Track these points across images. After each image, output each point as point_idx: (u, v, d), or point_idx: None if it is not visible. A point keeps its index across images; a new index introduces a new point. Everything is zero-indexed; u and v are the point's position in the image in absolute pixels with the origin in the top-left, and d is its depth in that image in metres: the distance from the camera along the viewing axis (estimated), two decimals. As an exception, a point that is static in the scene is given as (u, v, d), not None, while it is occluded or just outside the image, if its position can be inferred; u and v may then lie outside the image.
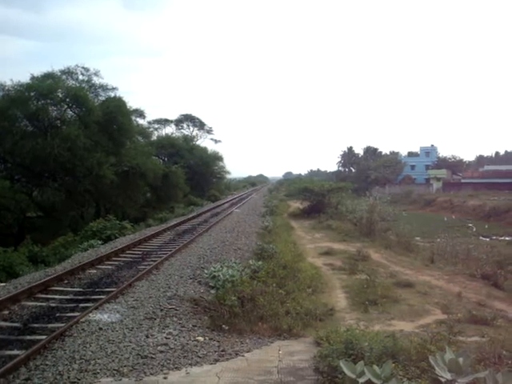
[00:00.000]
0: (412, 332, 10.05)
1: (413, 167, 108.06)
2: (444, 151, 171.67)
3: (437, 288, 15.12)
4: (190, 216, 36.28)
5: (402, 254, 21.82)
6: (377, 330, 9.83)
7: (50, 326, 9.81)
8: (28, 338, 9.06)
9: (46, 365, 7.81)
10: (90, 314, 10.36)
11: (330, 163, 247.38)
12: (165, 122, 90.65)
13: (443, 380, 4.93)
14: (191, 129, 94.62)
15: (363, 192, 46.91)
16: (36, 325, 9.87)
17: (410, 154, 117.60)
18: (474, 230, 30.55)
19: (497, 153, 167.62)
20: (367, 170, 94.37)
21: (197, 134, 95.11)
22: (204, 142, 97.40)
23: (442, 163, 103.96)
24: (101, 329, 9.58)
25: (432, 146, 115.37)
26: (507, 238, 33.60)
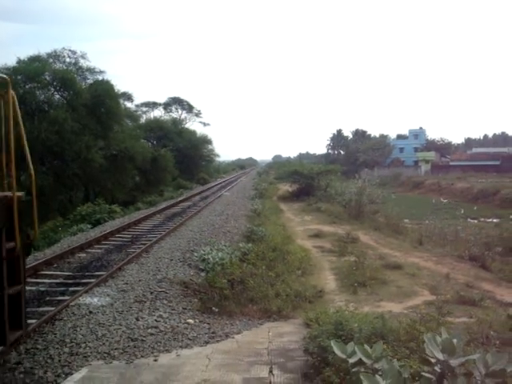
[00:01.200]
0: (401, 313, 10.12)
1: (401, 150, 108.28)
2: (432, 134, 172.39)
3: (425, 269, 15.23)
4: (179, 199, 36.25)
5: (390, 236, 21.93)
6: (366, 311, 9.89)
7: (40, 309, 9.80)
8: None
9: (37, 348, 7.81)
10: (80, 298, 10.36)
11: (319, 146, 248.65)
12: (153, 105, 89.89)
13: (433, 360, 4.96)
14: (180, 112, 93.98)
15: (352, 175, 46.97)
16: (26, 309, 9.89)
17: (399, 137, 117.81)
18: (462, 211, 30.74)
19: (485, 135, 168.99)
20: (356, 153, 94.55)
21: (185, 117, 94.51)
22: (193, 125, 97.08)
23: (431, 146, 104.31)
24: (91, 312, 9.59)
25: (420, 128, 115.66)
26: (495, 220, 33.88)
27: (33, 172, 7.04)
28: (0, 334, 6.45)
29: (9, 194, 6.70)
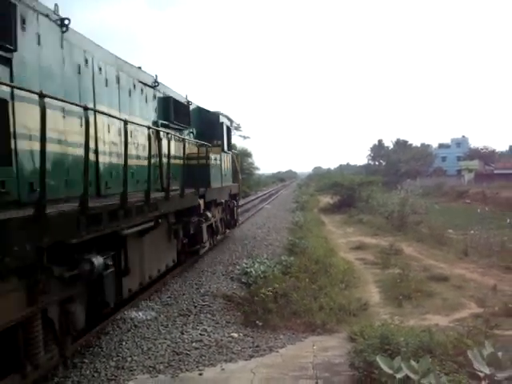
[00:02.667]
0: (447, 326, 9.96)
1: (444, 159, 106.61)
2: (475, 142, 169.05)
3: (471, 281, 14.94)
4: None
5: (434, 247, 21.58)
6: (412, 324, 9.76)
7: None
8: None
9: (84, 362, 7.92)
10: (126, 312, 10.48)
11: (359, 157, 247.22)
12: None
13: (481, 375, 4.87)
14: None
15: (394, 185, 46.48)
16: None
17: (441, 146, 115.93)
18: (508, 221, 30.01)
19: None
20: (398, 163, 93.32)
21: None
22: (233, 138, 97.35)
23: (474, 154, 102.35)
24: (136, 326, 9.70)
25: (463, 136, 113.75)
26: (543, 230, 32.94)
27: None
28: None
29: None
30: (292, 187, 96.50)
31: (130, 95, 11.05)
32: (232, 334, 9.55)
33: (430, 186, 69.39)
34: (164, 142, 11.80)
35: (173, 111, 13.75)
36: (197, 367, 7.87)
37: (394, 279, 14.38)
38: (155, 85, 12.93)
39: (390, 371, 5.13)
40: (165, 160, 11.52)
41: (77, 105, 7.36)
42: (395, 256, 18.56)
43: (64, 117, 7.82)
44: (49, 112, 6.05)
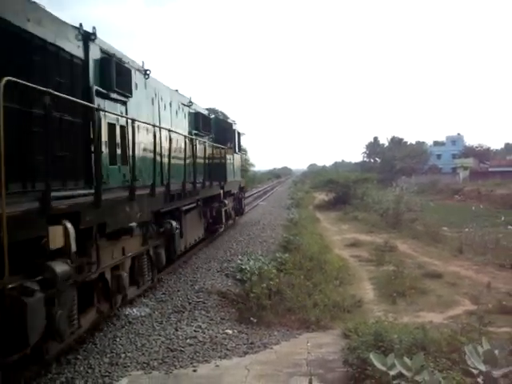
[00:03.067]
0: (441, 323, 9.98)
1: (439, 156, 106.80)
2: (470, 140, 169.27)
3: (466, 278, 14.98)
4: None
5: (429, 245, 21.62)
6: (406, 321, 9.78)
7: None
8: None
9: (77, 359, 7.90)
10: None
11: (354, 154, 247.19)
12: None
13: (476, 372, 4.88)
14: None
15: (389, 182, 46.55)
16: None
17: (436, 144, 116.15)
18: (503, 219, 30.06)
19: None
20: (393, 161, 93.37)
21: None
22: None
23: (469, 152, 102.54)
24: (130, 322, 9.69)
25: (458, 134, 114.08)
26: (537, 227, 32.97)
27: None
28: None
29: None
30: (287, 184, 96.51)
31: (176, 115, 14.75)
32: (226, 331, 9.55)
33: (425, 183, 69.51)
34: (200, 147, 16.69)
35: (200, 123, 17.62)
36: (191, 364, 7.87)
37: (389, 276, 14.40)
38: (189, 104, 16.68)
39: (384, 368, 5.13)
40: (199, 160, 16.22)
41: (152, 125, 11.41)
42: (390, 253, 18.59)
43: (147, 133, 11.41)
44: (141, 130, 10.95)
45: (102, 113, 8.50)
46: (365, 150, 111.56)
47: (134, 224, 9.66)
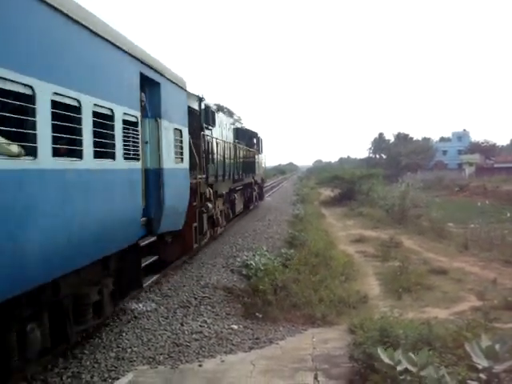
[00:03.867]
0: (447, 319, 9.98)
1: (445, 152, 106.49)
2: (476, 136, 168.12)
3: (471, 274, 14.98)
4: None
5: (435, 241, 21.63)
6: (411, 317, 9.77)
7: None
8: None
9: (84, 353, 7.94)
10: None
11: (360, 150, 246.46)
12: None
13: (480, 367, 4.88)
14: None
15: (395, 178, 46.53)
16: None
17: (442, 139, 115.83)
18: (508, 215, 29.99)
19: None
20: (398, 157, 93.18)
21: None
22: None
23: (475, 148, 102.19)
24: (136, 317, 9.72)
25: (464, 130, 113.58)
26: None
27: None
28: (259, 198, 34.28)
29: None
30: (293, 180, 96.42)
31: (228, 131, 22.21)
32: (232, 326, 9.58)
33: (431, 179, 69.37)
34: (239, 151, 23.94)
35: (239, 134, 25.66)
36: (197, 358, 7.90)
37: (394, 272, 14.42)
38: (233, 122, 25.84)
39: (391, 362, 5.14)
40: (239, 160, 23.56)
41: (222, 140, 19.47)
42: (395, 249, 18.60)
43: (224, 146, 19.63)
44: (219, 144, 18.77)
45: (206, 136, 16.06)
46: (370, 146, 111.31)
47: (223, 192, 19.00)
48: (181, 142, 11.81)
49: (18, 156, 5.39)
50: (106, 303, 8.45)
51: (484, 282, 13.53)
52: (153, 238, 9.99)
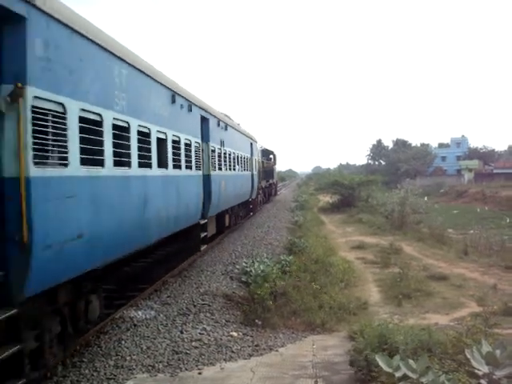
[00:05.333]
0: (447, 325, 9.96)
1: (443, 158, 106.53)
2: (475, 141, 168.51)
3: (471, 280, 14.96)
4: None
5: (434, 247, 21.61)
6: (411, 323, 9.75)
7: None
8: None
9: (83, 361, 7.91)
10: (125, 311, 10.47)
11: (359, 156, 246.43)
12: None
13: (480, 373, 4.86)
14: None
15: (394, 185, 46.47)
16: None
17: (441, 146, 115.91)
18: (508, 221, 30.03)
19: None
20: (397, 163, 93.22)
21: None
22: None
23: (474, 154, 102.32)
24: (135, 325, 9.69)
25: (463, 136, 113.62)
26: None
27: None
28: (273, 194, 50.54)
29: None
30: (292, 186, 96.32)
31: (259, 152, 35.97)
32: (231, 333, 9.56)
33: (430, 185, 69.43)
34: (267, 165, 40.55)
35: (263, 153, 40.51)
36: (196, 366, 7.87)
37: (394, 278, 14.40)
38: (261, 147, 38.43)
39: (389, 370, 5.12)
40: (265, 169, 38.52)
41: (261, 160, 37.20)
42: (395, 255, 18.59)
43: (261, 163, 36.49)
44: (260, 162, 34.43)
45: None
46: (369, 152, 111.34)
47: (263, 186, 36.60)
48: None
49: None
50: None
51: (484, 288, 13.52)
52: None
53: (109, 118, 7.83)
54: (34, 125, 5.71)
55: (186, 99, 13.15)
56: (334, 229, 29.35)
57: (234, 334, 9.57)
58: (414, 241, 23.23)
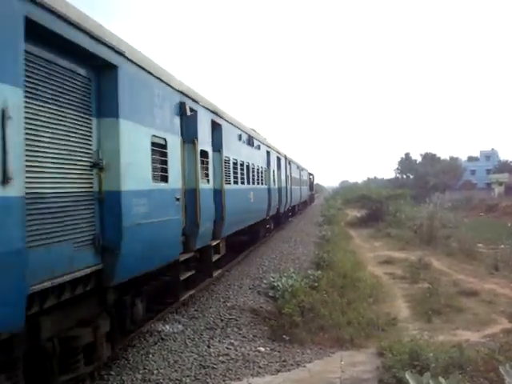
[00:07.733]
0: (478, 342, 9.78)
1: (473, 172, 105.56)
2: (505, 154, 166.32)
3: (502, 296, 14.70)
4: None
5: (464, 262, 21.30)
6: (441, 340, 9.61)
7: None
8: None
9: (111, 374, 7.93)
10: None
11: (386, 170, 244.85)
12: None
13: (514, 391, 4.75)
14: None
15: (422, 199, 46.05)
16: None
17: (470, 159, 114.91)
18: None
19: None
20: (426, 176, 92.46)
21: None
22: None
23: (504, 167, 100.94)
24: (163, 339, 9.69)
25: (492, 149, 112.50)
26: None
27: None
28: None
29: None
30: (319, 201, 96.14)
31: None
32: (259, 348, 9.50)
33: (459, 199, 68.64)
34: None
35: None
36: (223, 381, 7.84)
37: (423, 294, 14.21)
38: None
39: (420, 388, 5.03)
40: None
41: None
42: (424, 270, 18.34)
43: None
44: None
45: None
46: (397, 166, 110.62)
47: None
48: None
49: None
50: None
51: (515, 304, 13.28)
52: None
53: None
54: None
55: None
56: (362, 243, 29.13)
57: (262, 349, 9.51)
58: (443, 256, 22.91)
